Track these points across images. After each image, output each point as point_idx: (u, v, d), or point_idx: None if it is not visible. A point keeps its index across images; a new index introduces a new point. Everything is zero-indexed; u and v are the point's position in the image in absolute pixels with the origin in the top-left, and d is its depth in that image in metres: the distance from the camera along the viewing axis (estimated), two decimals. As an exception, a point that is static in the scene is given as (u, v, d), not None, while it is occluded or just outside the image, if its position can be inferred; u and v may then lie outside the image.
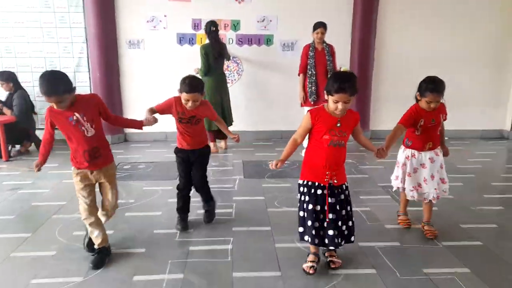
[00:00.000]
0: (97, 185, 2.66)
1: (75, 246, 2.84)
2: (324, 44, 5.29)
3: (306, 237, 2.43)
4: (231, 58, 5.98)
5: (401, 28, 6.37)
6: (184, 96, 2.85)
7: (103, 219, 2.70)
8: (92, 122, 2.44)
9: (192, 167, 3.09)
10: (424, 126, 2.83)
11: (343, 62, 6.29)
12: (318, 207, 2.37)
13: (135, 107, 6.26)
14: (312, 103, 5.25)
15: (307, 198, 2.40)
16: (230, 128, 5.65)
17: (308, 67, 5.24)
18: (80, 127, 2.41)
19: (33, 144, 5.66)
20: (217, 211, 3.38)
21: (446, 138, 3.12)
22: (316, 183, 2.38)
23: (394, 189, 3.16)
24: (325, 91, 2.30)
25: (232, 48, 6.16)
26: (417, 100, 2.87)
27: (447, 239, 2.94)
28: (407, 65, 6.40)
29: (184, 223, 3.13)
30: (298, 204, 2.48)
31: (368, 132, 6.57)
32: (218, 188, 4.04)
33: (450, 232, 3.06)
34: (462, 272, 2.50)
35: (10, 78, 5.32)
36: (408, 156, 2.96)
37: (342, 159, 2.41)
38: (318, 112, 2.35)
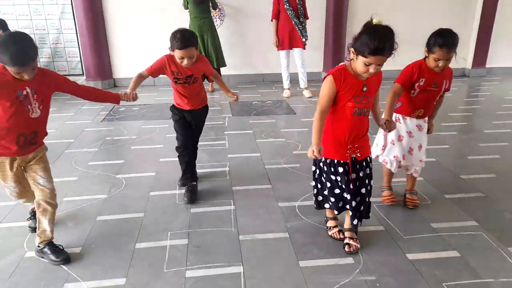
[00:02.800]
0: None
1: (94, 173, 3.30)
2: None
3: (326, 205, 2.28)
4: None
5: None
6: (177, 53, 2.52)
7: (45, 217, 2.17)
8: (41, 103, 2.03)
9: (190, 125, 2.89)
10: (423, 87, 2.42)
11: (318, 6, 6.65)
12: (340, 184, 2.14)
13: (121, 52, 6.48)
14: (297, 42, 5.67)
15: (326, 174, 2.18)
16: (224, 71, 6.13)
17: (288, 11, 5.56)
18: (26, 105, 1.97)
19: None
20: (212, 142, 3.87)
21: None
22: (336, 161, 2.10)
23: (373, 157, 2.58)
24: (352, 49, 1.88)
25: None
26: (425, 57, 2.43)
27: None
28: (380, 9, 6.76)
29: (191, 195, 2.80)
30: (314, 177, 2.28)
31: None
32: (212, 125, 4.50)
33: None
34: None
35: (0, 25, 5.41)
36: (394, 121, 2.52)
37: (365, 129, 2.10)
38: (342, 74, 1.95)
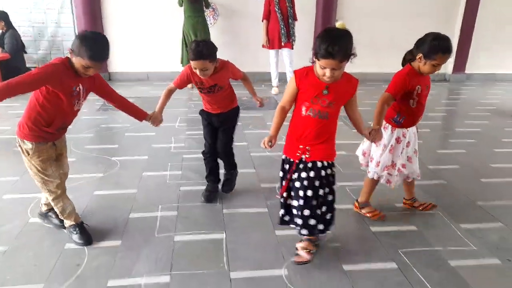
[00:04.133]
0: None
1: (91, 155, 3.55)
2: None
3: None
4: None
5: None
6: (192, 64, 2.45)
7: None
8: (85, 100, 2.23)
9: (217, 131, 2.80)
10: (421, 94, 2.33)
11: (307, 9, 6.97)
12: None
13: (117, 47, 6.70)
14: (283, 44, 5.96)
15: (280, 173, 2.15)
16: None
17: (277, 13, 5.86)
18: (75, 101, 2.13)
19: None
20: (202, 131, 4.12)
21: None
22: (286, 157, 2.09)
23: (371, 176, 2.55)
24: (312, 51, 1.84)
25: (208, -6, 6.65)
26: (409, 61, 2.33)
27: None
28: (366, 16, 7.11)
29: (209, 194, 2.80)
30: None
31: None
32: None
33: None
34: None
35: (2, 17, 5.63)
36: (399, 138, 2.41)
37: (324, 134, 1.98)
38: (305, 73, 1.92)
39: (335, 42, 1.72)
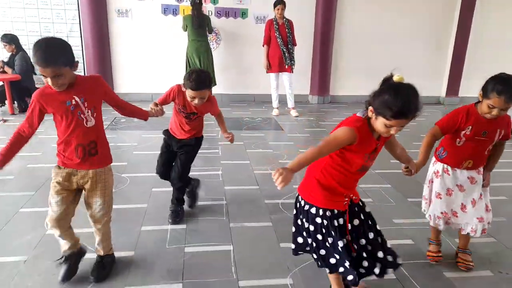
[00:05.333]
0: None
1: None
2: (284, 19, 6.18)
3: (340, 269, 1.85)
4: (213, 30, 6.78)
5: (360, 8, 7.35)
6: (189, 93, 2.52)
7: (96, 237, 2.24)
8: (93, 110, 1.99)
9: (175, 155, 2.84)
10: (470, 136, 2.13)
11: (306, 35, 7.28)
12: (344, 241, 1.80)
13: (123, 69, 6.97)
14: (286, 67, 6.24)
15: (324, 229, 1.83)
16: (214, 90, 6.62)
17: (277, 39, 6.14)
18: (79, 115, 1.94)
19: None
20: (206, 150, 4.30)
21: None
22: (336, 211, 1.81)
23: (423, 210, 2.44)
24: (370, 108, 1.66)
25: (211, 20, 6.93)
26: (477, 102, 2.15)
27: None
28: (363, 40, 7.42)
29: (172, 214, 2.82)
30: (314, 229, 1.87)
31: (328, 97, 7.62)
32: (206, 136, 4.92)
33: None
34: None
35: (13, 40, 5.87)
36: (438, 171, 2.28)
37: (358, 181, 1.89)
38: (362, 129, 1.69)
39: (409, 101, 1.57)
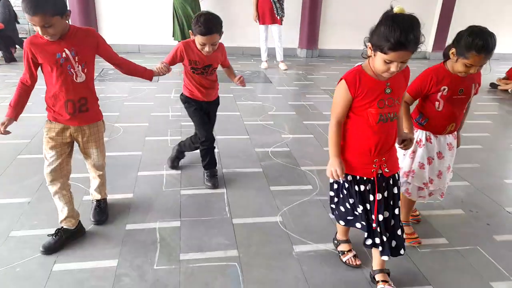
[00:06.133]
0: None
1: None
2: None
3: (341, 222, 1.93)
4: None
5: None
6: (199, 39, 2.32)
7: (95, 182, 2.29)
8: (84, 65, 1.92)
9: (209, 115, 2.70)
10: (448, 97, 1.98)
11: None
12: (361, 207, 1.76)
13: (109, 20, 6.80)
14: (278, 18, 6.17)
15: (345, 192, 1.81)
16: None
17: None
18: (69, 69, 1.88)
19: (17, 48, 6.16)
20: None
21: None
22: (358, 177, 1.73)
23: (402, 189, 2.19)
24: (369, 44, 1.55)
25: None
26: (446, 59, 1.98)
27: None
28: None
29: (216, 180, 2.73)
30: (333, 187, 1.90)
31: (316, 50, 7.62)
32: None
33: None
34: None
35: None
36: (421, 140, 2.09)
37: (394, 138, 1.73)
38: (357, 77, 1.60)
39: (408, 30, 1.42)
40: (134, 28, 6.88)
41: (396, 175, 1.77)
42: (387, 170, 1.70)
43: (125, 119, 3.88)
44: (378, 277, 1.86)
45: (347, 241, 2.08)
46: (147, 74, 2.24)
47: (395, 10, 1.53)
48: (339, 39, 7.53)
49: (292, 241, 2.19)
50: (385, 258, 1.79)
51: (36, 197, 2.49)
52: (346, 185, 1.78)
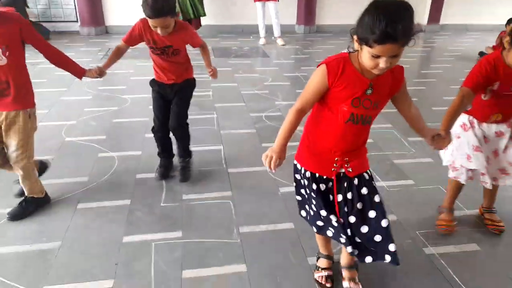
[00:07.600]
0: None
1: (103, 94, 4.13)
2: None
3: (314, 228, 1.70)
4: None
5: None
6: (149, 21, 2.17)
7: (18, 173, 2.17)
8: (5, 49, 1.87)
9: (169, 104, 2.52)
10: (497, 92, 1.85)
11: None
12: (325, 212, 1.57)
13: (115, 3, 7.08)
14: None
15: (307, 191, 1.63)
16: (203, 22, 6.79)
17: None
18: None
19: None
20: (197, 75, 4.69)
21: None
22: (317, 175, 1.57)
23: (444, 163, 2.13)
24: (355, 36, 1.31)
25: None
26: (502, 50, 1.80)
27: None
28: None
29: (163, 170, 2.61)
30: (295, 185, 1.70)
31: (313, 26, 7.87)
32: (196, 64, 5.31)
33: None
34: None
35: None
36: (465, 124, 2.00)
37: (362, 141, 1.56)
38: (340, 65, 1.38)
39: (396, 20, 1.19)
40: (140, 9, 7.11)
41: (366, 174, 1.56)
42: (350, 170, 1.52)
43: (132, 91, 4.23)
44: (344, 273, 1.77)
45: (327, 256, 1.84)
46: (78, 72, 2.25)
47: None
48: (336, 14, 7.75)
49: (277, 185, 2.55)
50: (350, 250, 1.57)
51: (57, 155, 2.87)
52: (306, 182, 1.60)
